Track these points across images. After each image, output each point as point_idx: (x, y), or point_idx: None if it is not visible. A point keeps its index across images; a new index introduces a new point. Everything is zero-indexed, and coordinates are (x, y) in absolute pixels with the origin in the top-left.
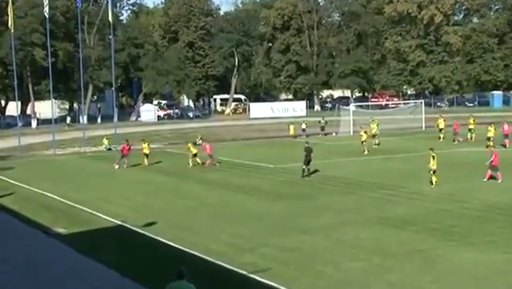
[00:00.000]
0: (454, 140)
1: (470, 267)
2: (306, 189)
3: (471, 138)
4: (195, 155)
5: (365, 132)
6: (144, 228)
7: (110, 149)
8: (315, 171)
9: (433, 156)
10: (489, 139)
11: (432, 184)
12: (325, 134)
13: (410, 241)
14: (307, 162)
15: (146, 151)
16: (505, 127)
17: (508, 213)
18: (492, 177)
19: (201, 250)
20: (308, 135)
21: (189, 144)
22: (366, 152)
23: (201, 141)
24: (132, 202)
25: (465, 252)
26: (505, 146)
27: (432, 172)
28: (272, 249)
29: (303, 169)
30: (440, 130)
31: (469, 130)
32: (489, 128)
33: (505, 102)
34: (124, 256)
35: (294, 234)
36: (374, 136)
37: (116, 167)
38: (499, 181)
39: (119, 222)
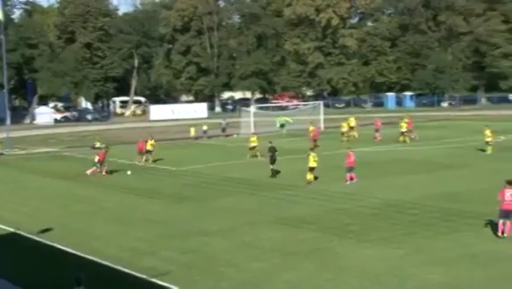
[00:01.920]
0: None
1: (366, 264)
2: (208, 192)
3: (408, 138)
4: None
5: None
6: (40, 235)
7: (2, 154)
8: (217, 172)
9: (312, 156)
10: (402, 133)
11: (308, 182)
12: (226, 136)
13: (309, 240)
14: (273, 161)
15: (150, 148)
16: (379, 123)
17: (400, 210)
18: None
19: (99, 255)
20: (210, 136)
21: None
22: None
23: (98, 144)
24: (27, 208)
25: (361, 249)
26: (375, 138)
27: (309, 171)
28: (173, 252)
29: (271, 169)
30: (377, 130)
31: (402, 134)
32: (402, 123)
33: (398, 103)
34: (18, 264)
35: (195, 236)
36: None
37: (102, 172)
38: (354, 181)
39: (13, 230)
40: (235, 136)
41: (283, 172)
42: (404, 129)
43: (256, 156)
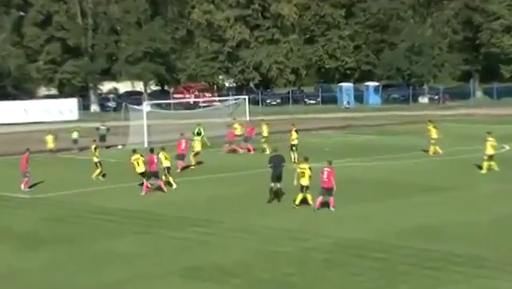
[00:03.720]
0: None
1: None
2: (80, 230)
3: None
4: None
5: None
6: None
7: None
8: (93, 201)
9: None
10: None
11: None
12: (107, 147)
13: None
14: (276, 178)
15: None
16: (251, 130)
17: (361, 254)
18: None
19: None
20: (82, 148)
21: None
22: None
23: None
24: None
25: None
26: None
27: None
28: None
29: (271, 188)
30: (246, 140)
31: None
32: (430, 128)
33: (359, 98)
34: None
35: None
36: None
37: None
38: (331, 208)
39: None
40: (120, 147)
41: (194, 199)
42: (433, 136)
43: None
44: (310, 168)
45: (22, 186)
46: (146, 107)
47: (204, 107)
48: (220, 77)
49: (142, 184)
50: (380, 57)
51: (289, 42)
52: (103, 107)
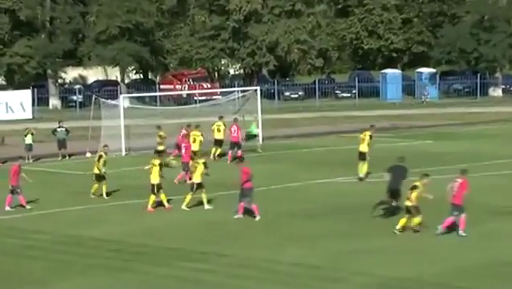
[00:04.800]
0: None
1: None
2: (33, 266)
3: None
4: None
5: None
6: None
7: None
8: (51, 228)
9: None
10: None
11: None
12: (69, 155)
13: None
14: (393, 193)
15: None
16: (234, 128)
17: None
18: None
19: None
20: (37, 158)
21: None
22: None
23: None
24: None
25: None
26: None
27: None
28: None
29: (382, 203)
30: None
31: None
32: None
33: (408, 89)
34: None
35: None
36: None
37: None
38: (461, 232)
39: None
40: (89, 155)
41: (188, 224)
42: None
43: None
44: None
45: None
46: (124, 101)
47: (201, 101)
48: (222, 62)
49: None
50: (438, 35)
51: (315, 15)
52: (65, 101)
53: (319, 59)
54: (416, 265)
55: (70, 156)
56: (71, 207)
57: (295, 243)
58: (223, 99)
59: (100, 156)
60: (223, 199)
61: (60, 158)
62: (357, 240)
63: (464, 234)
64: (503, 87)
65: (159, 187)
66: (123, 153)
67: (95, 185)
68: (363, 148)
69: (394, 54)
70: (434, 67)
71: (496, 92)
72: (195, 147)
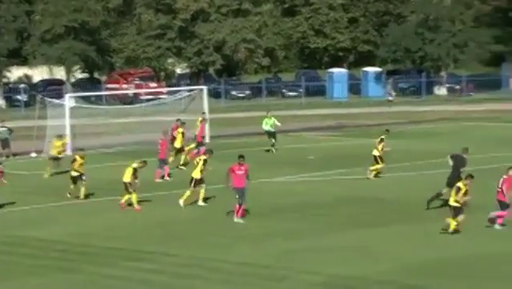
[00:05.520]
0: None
1: None
2: None
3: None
4: None
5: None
6: None
7: None
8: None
9: None
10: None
11: None
12: (13, 155)
13: None
14: (448, 183)
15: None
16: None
17: None
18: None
19: None
20: None
21: None
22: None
23: None
24: None
25: None
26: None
27: None
28: None
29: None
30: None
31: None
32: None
33: (354, 88)
34: None
35: None
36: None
37: None
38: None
39: None
40: (34, 155)
41: (137, 224)
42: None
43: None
44: None
45: None
46: (69, 101)
47: (147, 100)
48: (169, 61)
49: None
50: (384, 34)
51: (262, 15)
52: (10, 101)
53: (266, 58)
54: (363, 263)
55: (14, 155)
56: (15, 207)
57: (242, 242)
58: (169, 98)
59: (74, 160)
60: (173, 198)
61: (4, 158)
62: (304, 239)
63: (499, 228)
64: (448, 85)
65: (128, 186)
66: (69, 152)
67: (71, 187)
68: (375, 152)
69: (340, 54)
70: (380, 66)
71: (441, 91)
72: (177, 144)
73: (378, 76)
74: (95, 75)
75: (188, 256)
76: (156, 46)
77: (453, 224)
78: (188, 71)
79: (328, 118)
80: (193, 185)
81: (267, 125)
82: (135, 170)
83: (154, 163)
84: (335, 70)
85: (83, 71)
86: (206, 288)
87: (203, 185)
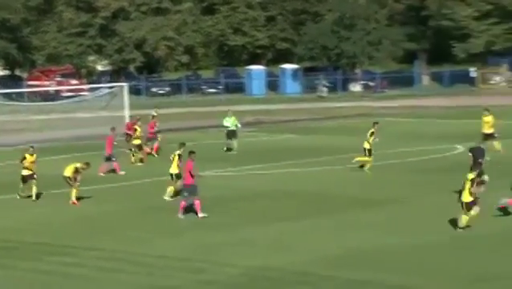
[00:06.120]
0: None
1: None
2: None
3: None
4: None
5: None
6: None
7: None
8: None
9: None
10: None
11: None
12: None
13: None
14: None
15: None
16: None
17: (276, 285)
18: None
19: None
20: None
21: None
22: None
23: None
24: None
25: None
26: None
27: None
28: None
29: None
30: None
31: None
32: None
33: (273, 85)
34: None
35: None
36: None
37: None
38: None
39: None
40: None
41: (56, 220)
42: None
43: None
44: None
45: None
46: None
47: (69, 97)
48: (90, 58)
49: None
50: (301, 32)
51: (181, 13)
52: None
53: (186, 56)
54: (279, 255)
55: None
56: None
57: (163, 236)
58: (91, 95)
59: (24, 158)
60: (95, 193)
61: None
62: (222, 232)
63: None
64: (362, 82)
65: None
66: None
67: (21, 186)
68: (366, 144)
69: (258, 51)
70: (297, 64)
71: (356, 88)
72: (136, 141)
73: (295, 73)
74: (17, 72)
75: (111, 250)
76: (77, 43)
77: (465, 219)
78: (109, 68)
79: (247, 114)
80: (174, 180)
81: (228, 123)
82: (76, 169)
83: (76, 158)
84: (254, 67)
85: (4, 69)
86: (128, 281)
87: (179, 181)
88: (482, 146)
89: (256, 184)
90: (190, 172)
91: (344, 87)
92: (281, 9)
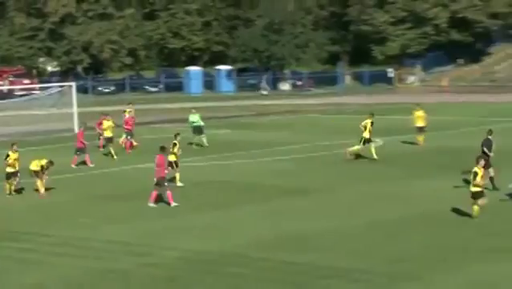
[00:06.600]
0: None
1: None
2: None
3: None
4: None
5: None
6: None
7: None
8: None
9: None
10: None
11: None
12: None
13: None
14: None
15: None
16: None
17: (214, 269)
18: None
19: None
20: None
21: None
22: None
23: None
24: None
25: None
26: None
27: None
28: None
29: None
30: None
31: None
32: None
33: (208, 84)
34: None
35: None
36: None
37: None
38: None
39: None
40: None
41: (9, 207)
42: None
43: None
44: None
45: None
46: None
47: (21, 96)
48: (41, 60)
49: None
50: (234, 36)
51: (124, 18)
52: None
53: (129, 58)
54: (217, 239)
55: None
56: None
57: (110, 223)
58: (42, 93)
59: (7, 156)
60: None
61: None
62: (163, 219)
63: None
64: (291, 81)
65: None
66: None
67: (6, 185)
68: (367, 134)
69: (196, 53)
70: (231, 65)
71: (285, 86)
72: (108, 134)
73: (229, 74)
74: None
75: (61, 236)
76: (28, 46)
77: (476, 210)
78: (58, 69)
79: (184, 111)
80: (175, 167)
81: (193, 119)
82: (42, 167)
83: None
84: (192, 68)
85: None
86: (79, 265)
87: (177, 169)
88: (490, 137)
89: (193, 175)
90: (163, 166)
91: (274, 86)
92: (216, 15)
